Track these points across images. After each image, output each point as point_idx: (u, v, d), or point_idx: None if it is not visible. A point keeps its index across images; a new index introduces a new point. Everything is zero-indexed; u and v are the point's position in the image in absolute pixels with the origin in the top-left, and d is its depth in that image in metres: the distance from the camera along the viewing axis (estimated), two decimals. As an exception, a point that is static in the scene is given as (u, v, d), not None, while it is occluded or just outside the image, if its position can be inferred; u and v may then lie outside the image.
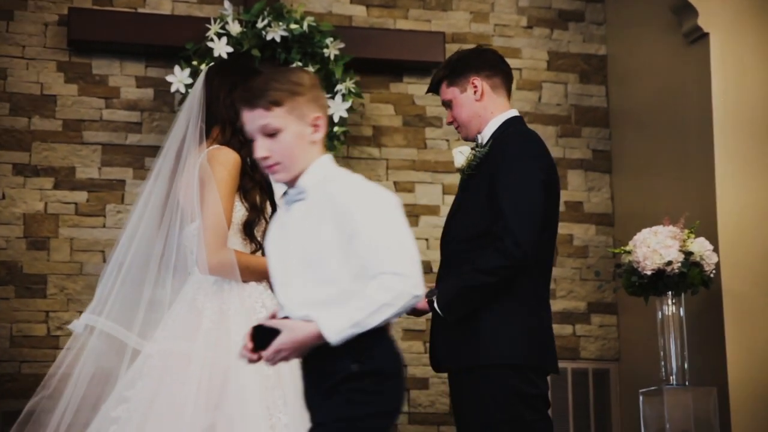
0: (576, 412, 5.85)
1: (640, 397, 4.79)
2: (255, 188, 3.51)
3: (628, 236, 5.96)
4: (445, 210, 6.00)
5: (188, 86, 5.46)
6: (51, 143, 5.74)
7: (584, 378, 5.93)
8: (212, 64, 3.76)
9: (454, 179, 6.02)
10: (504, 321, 3.54)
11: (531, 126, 6.00)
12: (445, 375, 5.69)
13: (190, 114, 3.57)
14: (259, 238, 3.48)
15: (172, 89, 5.52)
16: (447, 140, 6.08)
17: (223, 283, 3.40)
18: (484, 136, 3.75)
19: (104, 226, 5.72)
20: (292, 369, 3.25)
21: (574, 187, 6.17)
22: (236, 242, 3.46)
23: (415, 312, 3.80)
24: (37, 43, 5.79)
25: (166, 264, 3.43)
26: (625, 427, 5.87)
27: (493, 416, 3.49)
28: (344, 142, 5.76)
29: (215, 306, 3.36)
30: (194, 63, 5.52)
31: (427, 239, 5.98)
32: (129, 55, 5.83)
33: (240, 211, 3.47)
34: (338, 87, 5.60)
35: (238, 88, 3.55)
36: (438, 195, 6.05)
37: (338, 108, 5.57)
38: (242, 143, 3.51)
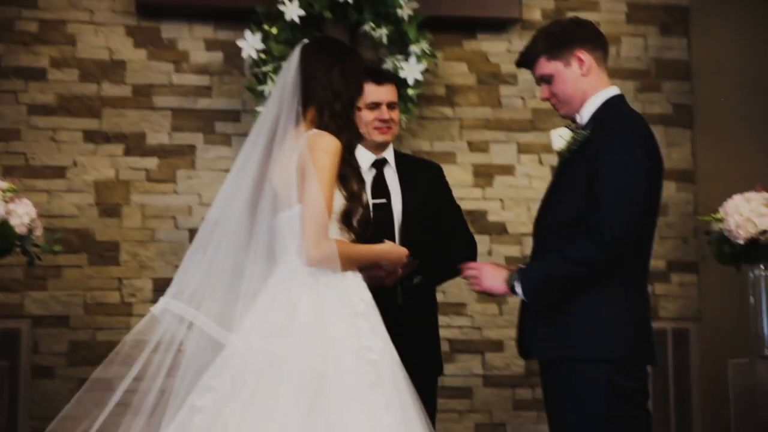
0: (655, 372, 5.73)
1: (729, 369, 4.66)
2: (353, 175, 3.37)
3: (710, 194, 5.81)
4: (520, 170, 5.88)
5: (259, 51, 5.36)
6: (121, 109, 5.68)
7: (663, 338, 5.81)
8: (306, 41, 3.55)
9: (530, 138, 5.90)
10: (600, 311, 3.38)
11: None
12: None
13: (283, 94, 3.38)
14: (356, 227, 3.36)
15: (244, 55, 5.41)
16: (522, 98, 5.92)
17: (320, 274, 3.27)
18: (583, 115, 3.55)
19: (175, 192, 5.67)
20: (393, 366, 3.17)
21: (653, 144, 5.99)
22: (334, 231, 3.32)
23: (492, 295, 3.68)
24: (106, 8, 5.71)
25: (257, 252, 3.31)
26: (705, 388, 5.75)
27: (590, 411, 3.34)
28: (418, 104, 5.62)
29: (311, 299, 3.22)
30: (265, 27, 5.39)
31: (501, 200, 5.85)
32: (198, 18, 5.74)
33: (339, 200, 3.33)
34: (412, 48, 5.45)
35: (336, 68, 3.42)
36: (513, 154, 5.90)
37: (412, 70, 5.43)
38: (341, 127, 3.37)
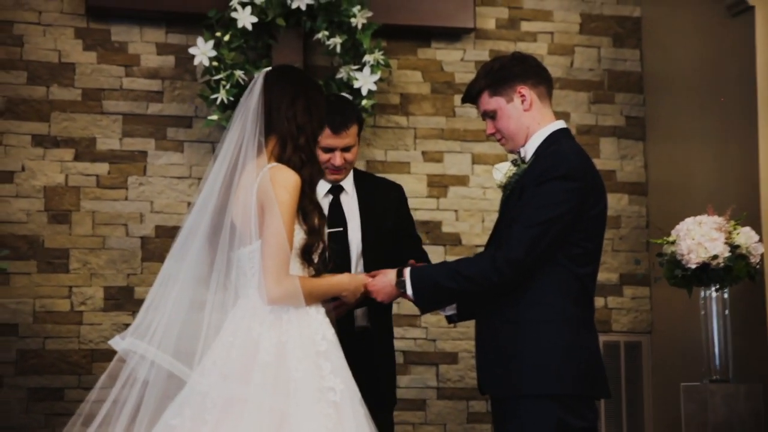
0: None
1: (681, 393, 4.70)
2: (314, 210, 3.31)
3: (662, 207, 5.86)
4: (474, 180, 5.88)
5: (212, 59, 5.29)
6: (70, 113, 5.58)
7: (616, 351, 5.87)
8: (269, 69, 3.49)
9: (484, 148, 5.89)
10: (547, 346, 3.36)
11: (562, 92, 5.92)
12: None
13: (245, 123, 3.30)
14: (316, 262, 3.33)
15: (195, 62, 5.33)
16: (476, 108, 5.89)
17: (281, 312, 3.22)
18: (528, 150, 3.55)
19: (126, 199, 5.59)
20: (354, 406, 3.15)
21: (606, 156, 6.02)
22: (295, 267, 3.27)
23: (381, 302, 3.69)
24: (54, 9, 5.59)
25: (218, 285, 3.26)
26: (657, 401, 5.81)
27: None
28: (372, 113, 5.58)
29: (273, 337, 3.17)
30: (218, 34, 5.33)
31: (456, 210, 5.85)
32: (148, 21, 5.64)
33: (299, 235, 3.28)
34: (366, 58, 5.40)
35: (300, 100, 3.37)
36: (467, 164, 5.90)
37: (366, 80, 5.38)
38: (303, 162, 3.31)
